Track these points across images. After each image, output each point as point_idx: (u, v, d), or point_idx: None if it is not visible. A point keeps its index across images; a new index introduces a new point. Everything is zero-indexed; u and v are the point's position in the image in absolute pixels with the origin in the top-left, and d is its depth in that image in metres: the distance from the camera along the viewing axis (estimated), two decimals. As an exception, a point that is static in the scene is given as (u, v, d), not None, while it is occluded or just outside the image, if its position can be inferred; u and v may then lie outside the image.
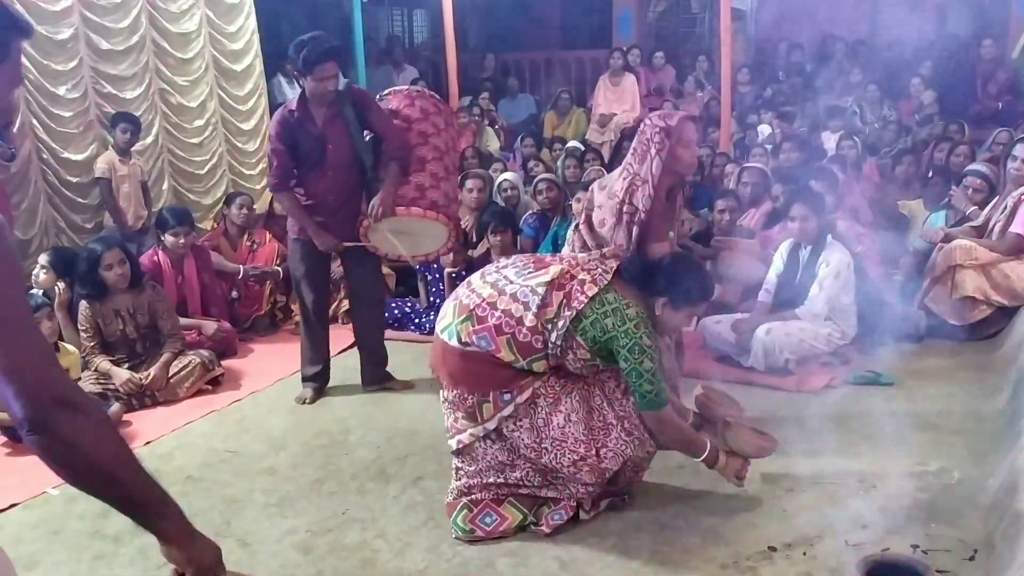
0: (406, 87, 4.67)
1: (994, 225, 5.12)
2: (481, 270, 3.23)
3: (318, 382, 4.62)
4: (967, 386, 4.28)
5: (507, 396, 2.94)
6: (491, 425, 2.97)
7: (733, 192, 5.86)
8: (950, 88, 8.67)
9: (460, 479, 3.14)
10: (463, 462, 3.12)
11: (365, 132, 4.32)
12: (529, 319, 2.90)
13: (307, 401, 4.53)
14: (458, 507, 3.10)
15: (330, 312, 5.55)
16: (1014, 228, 4.94)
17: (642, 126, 3.59)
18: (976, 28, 9.77)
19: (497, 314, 2.95)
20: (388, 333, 5.53)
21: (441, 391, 3.13)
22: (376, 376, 4.68)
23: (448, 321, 3.06)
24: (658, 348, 2.95)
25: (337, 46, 4.22)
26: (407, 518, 3.28)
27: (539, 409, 2.97)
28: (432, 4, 9.47)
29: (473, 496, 3.10)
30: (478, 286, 3.08)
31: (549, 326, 2.90)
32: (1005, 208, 5.08)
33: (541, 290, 2.91)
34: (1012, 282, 4.86)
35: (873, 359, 4.64)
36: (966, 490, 3.24)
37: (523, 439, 2.97)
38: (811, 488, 3.33)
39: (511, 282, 3.00)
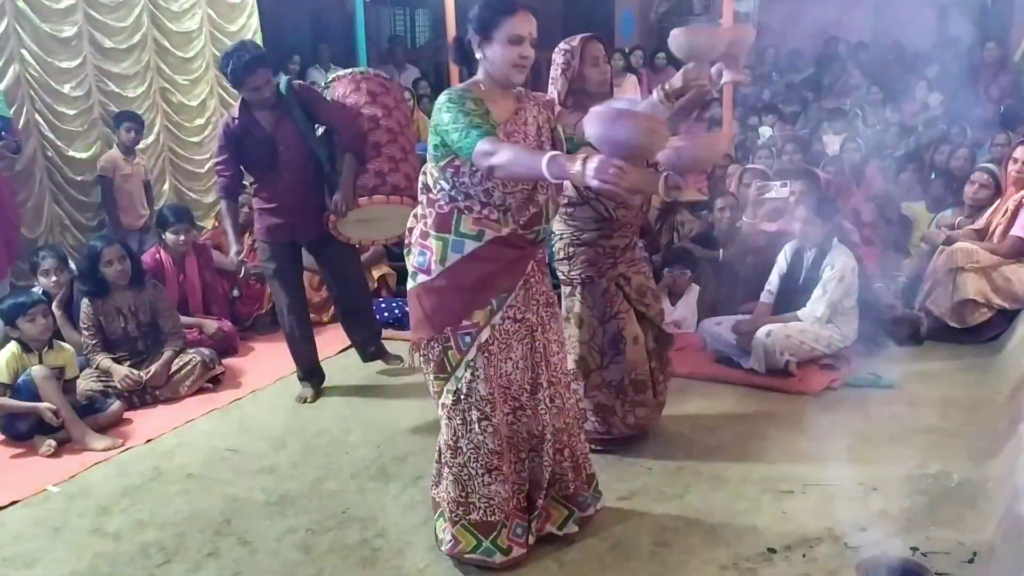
0: (351, 70, 4.55)
1: (995, 228, 5.12)
2: None
3: (314, 379, 4.65)
4: (967, 389, 4.28)
5: (467, 337, 2.74)
6: (460, 372, 2.75)
7: (731, 192, 5.85)
8: (952, 91, 8.66)
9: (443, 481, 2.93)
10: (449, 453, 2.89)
11: (317, 127, 4.30)
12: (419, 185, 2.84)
13: (308, 400, 4.54)
14: (438, 511, 2.97)
15: (330, 310, 5.59)
16: (1015, 231, 4.94)
17: (552, 56, 3.56)
18: (978, 31, 9.77)
19: (414, 227, 2.84)
20: (388, 332, 5.55)
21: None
22: (371, 350, 4.81)
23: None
24: (474, 109, 2.60)
25: (262, 54, 4.19)
26: (407, 517, 3.28)
27: (492, 356, 2.77)
28: (434, 4, 9.48)
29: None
30: None
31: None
32: (1006, 211, 5.09)
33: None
34: (1013, 285, 4.87)
35: (873, 361, 4.64)
36: (966, 493, 3.24)
37: (480, 391, 2.76)
38: (811, 490, 3.33)
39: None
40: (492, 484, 2.82)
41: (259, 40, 7.40)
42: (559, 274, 3.65)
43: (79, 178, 5.96)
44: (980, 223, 5.26)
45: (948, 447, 3.63)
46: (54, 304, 4.72)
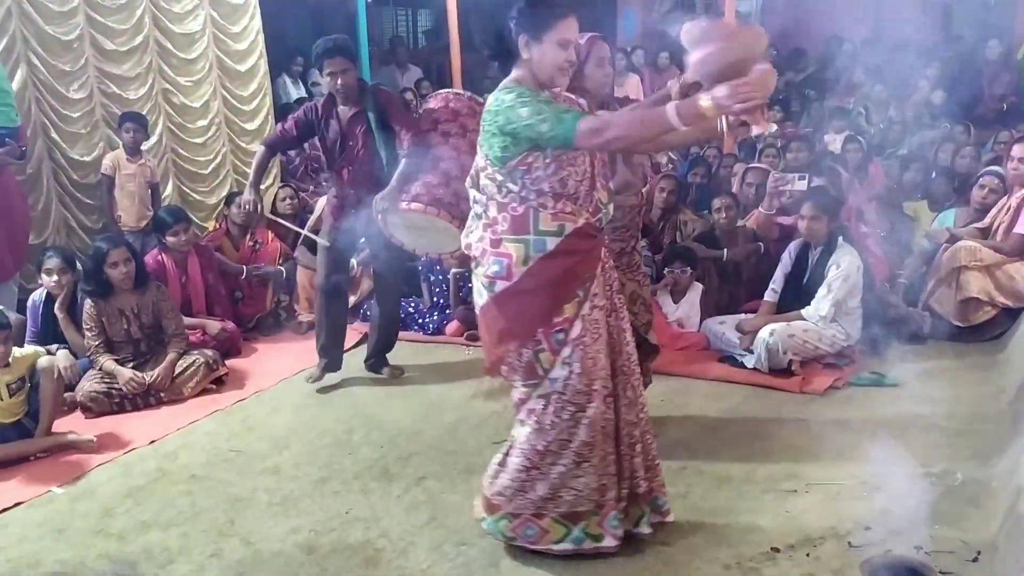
0: (447, 90, 4.73)
1: (998, 226, 5.11)
2: None
3: (330, 357, 4.74)
4: (971, 387, 4.27)
5: (560, 335, 2.72)
6: (555, 373, 2.73)
7: (730, 192, 5.84)
8: (955, 89, 8.65)
9: (500, 478, 2.90)
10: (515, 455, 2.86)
11: (385, 128, 4.47)
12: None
13: (312, 379, 4.69)
14: (499, 512, 2.92)
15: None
16: (1018, 229, 4.93)
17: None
18: (982, 29, 9.75)
19: (483, 236, 2.78)
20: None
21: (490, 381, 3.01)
22: (377, 359, 4.92)
23: (476, 291, 2.88)
24: (548, 98, 2.65)
25: (345, 45, 4.40)
26: (410, 518, 3.28)
27: (586, 347, 2.74)
28: (437, 4, 9.48)
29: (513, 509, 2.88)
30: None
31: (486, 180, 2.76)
32: (1008, 209, 5.08)
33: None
34: (1016, 283, 4.86)
35: (877, 360, 4.64)
36: (970, 492, 3.24)
37: (576, 385, 2.74)
38: (814, 489, 3.33)
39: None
40: (581, 477, 2.79)
41: (261, 41, 7.42)
42: None
43: (83, 180, 5.96)
44: (983, 222, 5.25)
45: (952, 446, 3.63)
46: (56, 306, 4.72)
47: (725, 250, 5.37)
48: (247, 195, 4.56)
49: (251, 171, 4.66)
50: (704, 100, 2.35)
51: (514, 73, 2.74)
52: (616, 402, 2.86)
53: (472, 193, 2.84)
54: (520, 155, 2.66)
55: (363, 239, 4.69)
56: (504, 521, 2.90)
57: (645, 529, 2.95)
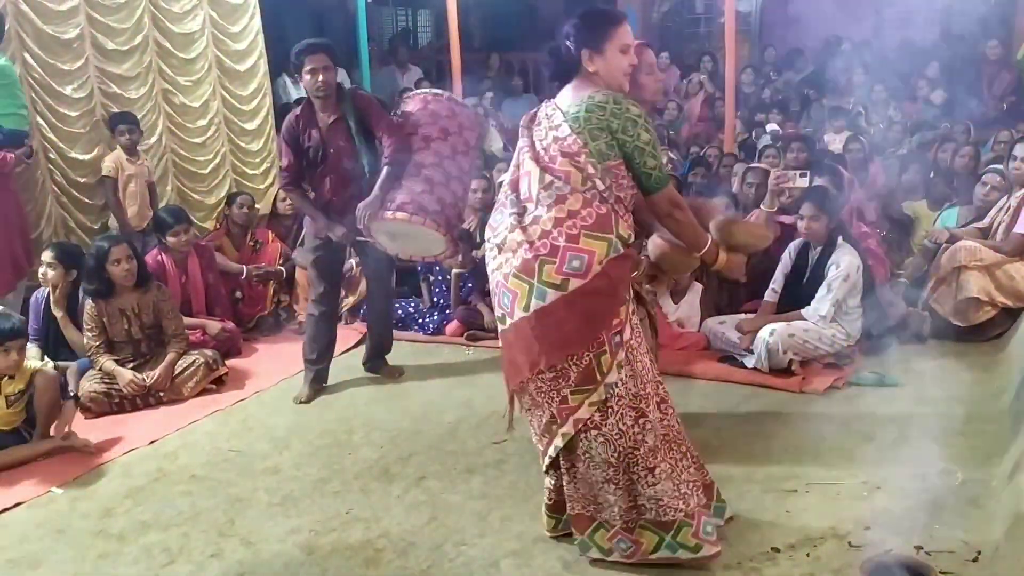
0: (425, 91, 4.69)
1: (998, 226, 5.11)
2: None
3: (318, 374, 4.68)
4: (971, 387, 4.27)
5: (617, 337, 2.67)
6: (612, 377, 2.67)
7: (731, 192, 5.83)
8: (955, 89, 8.65)
9: (577, 491, 2.81)
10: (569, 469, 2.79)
11: (366, 133, 4.40)
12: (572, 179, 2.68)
13: (303, 400, 4.57)
14: (593, 525, 2.83)
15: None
16: (1018, 229, 4.93)
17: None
18: (981, 29, 9.75)
19: (552, 232, 2.66)
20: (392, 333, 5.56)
21: (521, 398, 2.83)
22: (376, 360, 4.93)
23: (521, 296, 2.69)
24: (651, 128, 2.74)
25: (325, 42, 4.38)
26: (410, 517, 3.28)
27: (634, 351, 2.73)
28: (437, 4, 9.48)
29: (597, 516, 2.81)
30: (508, 240, 2.75)
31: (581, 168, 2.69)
32: (1008, 208, 5.08)
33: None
34: (1017, 283, 4.85)
35: (877, 360, 4.64)
36: (970, 491, 3.23)
37: (632, 389, 2.70)
38: (814, 489, 3.33)
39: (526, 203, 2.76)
40: (656, 484, 2.71)
41: (260, 41, 7.41)
42: None
43: (82, 180, 5.95)
44: (984, 221, 5.25)
45: (952, 446, 3.62)
46: (52, 304, 4.71)
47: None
48: (336, 232, 4.41)
49: (308, 212, 4.57)
50: (720, 261, 2.90)
51: (586, 79, 2.75)
52: (667, 407, 2.83)
53: (538, 177, 2.70)
54: (619, 161, 2.69)
55: (348, 246, 4.68)
56: (600, 531, 2.82)
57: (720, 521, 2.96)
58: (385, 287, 4.91)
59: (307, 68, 4.29)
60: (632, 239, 2.77)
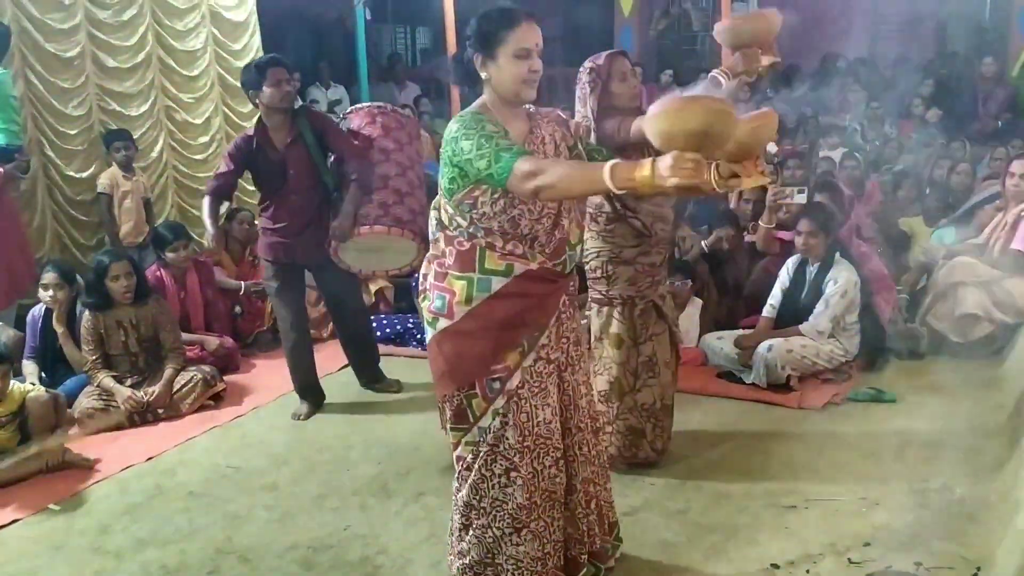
0: (367, 104, 4.67)
1: (995, 242, 5.13)
2: None
3: (312, 396, 4.65)
4: (969, 403, 4.27)
5: (496, 383, 2.52)
6: (485, 422, 2.53)
7: (730, 217, 5.80)
8: (951, 106, 8.70)
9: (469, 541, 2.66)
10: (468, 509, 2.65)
11: (328, 154, 4.38)
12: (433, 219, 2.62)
13: (302, 417, 4.55)
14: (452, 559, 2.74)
15: (329, 326, 5.63)
16: (1015, 245, 4.94)
17: (577, 75, 3.53)
18: (976, 46, 9.82)
19: (426, 270, 2.64)
20: (389, 349, 5.57)
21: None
22: (369, 375, 4.88)
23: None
24: (495, 131, 2.41)
25: (281, 57, 4.37)
26: (409, 534, 3.28)
27: (523, 401, 2.54)
28: (435, 21, 9.53)
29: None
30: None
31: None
32: (1005, 225, 5.10)
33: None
34: (1014, 299, 4.86)
35: (875, 376, 4.65)
36: (969, 507, 3.24)
37: (508, 440, 2.55)
38: (814, 505, 3.32)
39: None
40: (520, 544, 2.57)
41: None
42: (594, 293, 3.62)
43: (78, 197, 5.97)
44: (980, 237, 5.27)
45: (950, 461, 3.62)
46: (54, 320, 4.71)
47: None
48: (211, 233, 4.28)
49: (206, 219, 4.29)
50: (643, 170, 2.05)
51: (481, 97, 2.55)
52: (569, 464, 2.68)
53: (430, 224, 2.66)
54: (467, 188, 2.46)
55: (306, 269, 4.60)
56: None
57: None
58: (354, 304, 4.79)
59: (271, 80, 4.19)
60: (514, 270, 2.49)
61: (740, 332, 4.90)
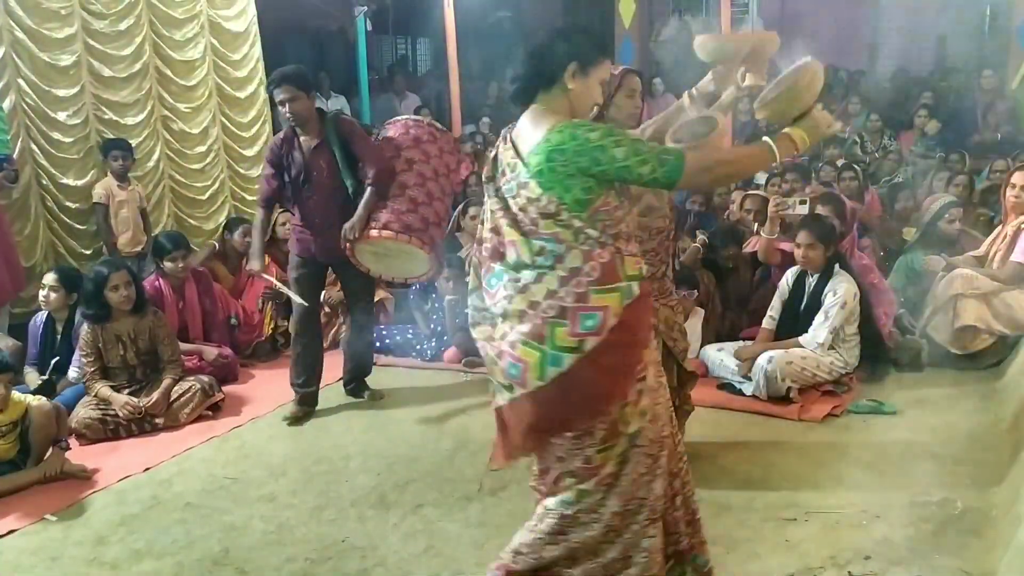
0: (406, 117, 4.89)
1: (995, 254, 5.13)
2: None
3: (307, 395, 4.71)
4: (970, 416, 4.26)
5: (640, 384, 2.45)
6: (634, 427, 2.43)
7: (734, 235, 5.79)
8: (950, 118, 8.72)
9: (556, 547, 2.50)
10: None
11: (348, 157, 4.50)
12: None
13: (291, 420, 4.61)
14: None
15: (330, 336, 5.65)
16: (1015, 257, 4.94)
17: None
18: (976, 59, 9.85)
19: (558, 292, 2.37)
20: (389, 359, 5.56)
21: (533, 468, 2.59)
22: (355, 385, 4.95)
23: (534, 364, 2.38)
24: (640, 141, 2.44)
25: (293, 74, 4.42)
26: (407, 546, 3.26)
27: (655, 393, 2.50)
28: (436, 33, 9.56)
29: None
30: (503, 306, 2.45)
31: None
32: (1005, 237, 5.10)
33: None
34: (1013, 311, 4.86)
35: (875, 388, 4.63)
36: (970, 521, 3.22)
37: (650, 435, 2.49)
38: (814, 518, 3.31)
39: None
40: (655, 537, 2.51)
41: (261, 69, 7.47)
42: None
43: (74, 206, 5.97)
44: (980, 249, 5.27)
45: (951, 474, 3.61)
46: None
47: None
48: (256, 265, 4.60)
49: (255, 237, 4.65)
50: (800, 138, 2.47)
51: (547, 106, 2.45)
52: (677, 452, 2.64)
53: (526, 246, 2.41)
54: (602, 196, 2.38)
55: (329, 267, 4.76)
56: None
57: None
58: (366, 309, 4.90)
59: (277, 99, 4.41)
60: (644, 272, 2.48)
61: (741, 343, 4.89)
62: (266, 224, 4.74)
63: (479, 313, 2.55)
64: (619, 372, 2.42)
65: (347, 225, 4.35)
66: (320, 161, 4.48)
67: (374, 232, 4.33)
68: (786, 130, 2.49)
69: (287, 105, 4.37)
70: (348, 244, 4.39)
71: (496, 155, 2.54)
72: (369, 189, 4.40)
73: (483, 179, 2.57)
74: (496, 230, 2.49)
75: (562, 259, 2.38)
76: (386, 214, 4.36)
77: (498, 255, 2.49)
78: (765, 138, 2.45)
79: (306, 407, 4.71)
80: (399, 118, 4.85)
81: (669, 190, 2.52)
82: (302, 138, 4.49)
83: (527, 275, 2.41)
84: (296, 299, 4.62)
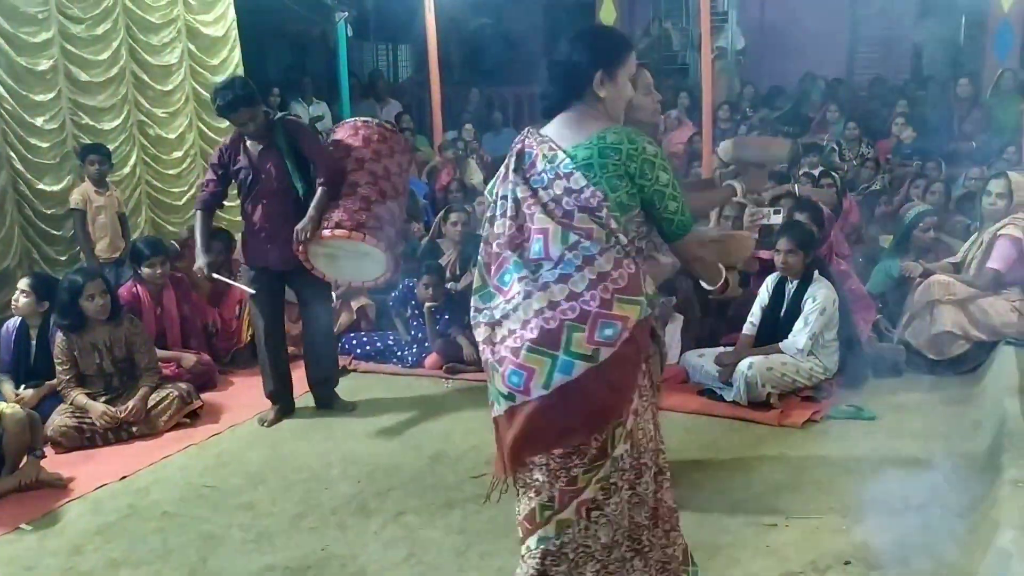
0: (355, 118, 4.85)
1: (971, 261, 5.18)
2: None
3: (280, 402, 4.70)
4: (948, 421, 4.30)
5: (631, 405, 2.39)
6: (619, 450, 2.36)
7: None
8: (927, 126, 8.81)
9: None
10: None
11: (298, 159, 4.47)
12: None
13: (267, 423, 4.61)
14: None
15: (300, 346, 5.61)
16: (991, 263, 4.99)
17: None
18: (952, 69, 9.97)
19: (583, 294, 2.31)
20: (370, 366, 5.53)
21: (520, 489, 2.45)
22: (323, 394, 4.86)
23: (540, 372, 2.31)
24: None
25: (247, 94, 4.37)
26: (388, 554, 3.24)
27: (639, 417, 2.43)
28: (417, 39, 9.55)
29: None
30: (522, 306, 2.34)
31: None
32: (981, 244, 5.15)
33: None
34: (990, 317, 4.91)
35: (854, 393, 4.66)
36: (948, 526, 3.23)
37: (631, 459, 2.41)
38: (794, 523, 3.32)
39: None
40: (636, 571, 2.46)
41: (240, 74, 7.42)
42: None
43: (50, 212, 5.91)
44: (956, 256, 5.32)
45: (930, 479, 3.62)
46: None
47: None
48: (203, 260, 4.51)
49: (197, 236, 4.58)
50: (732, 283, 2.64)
51: (583, 112, 2.42)
52: (663, 479, 2.57)
53: (559, 236, 2.33)
54: (638, 208, 2.38)
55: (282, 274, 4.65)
56: None
57: None
58: (323, 316, 4.82)
59: (235, 122, 4.41)
60: (653, 293, 2.47)
61: (721, 349, 4.91)
62: (207, 226, 4.63)
63: (480, 314, 2.45)
64: (621, 388, 2.37)
65: (299, 226, 4.29)
66: (269, 165, 4.43)
67: (327, 232, 4.28)
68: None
69: (248, 126, 4.36)
70: (300, 246, 4.33)
71: (521, 149, 2.44)
72: (320, 189, 4.35)
73: (507, 171, 2.44)
74: (517, 218, 2.39)
75: (592, 260, 2.32)
76: (338, 213, 4.32)
77: (515, 245, 2.39)
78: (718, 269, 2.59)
79: (280, 412, 4.69)
80: (348, 120, 4.84)
81: (666, 240, 2.46)
82: (249, 142, 4.46)
83: (548, 274, 2.33)
84: (247, 289, 4.64)
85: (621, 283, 2.32)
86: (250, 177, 4.45)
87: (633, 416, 2.39)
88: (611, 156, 2.31)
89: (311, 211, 4.31)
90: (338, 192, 4.38)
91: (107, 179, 6.00)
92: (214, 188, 4.56)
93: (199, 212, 4.60)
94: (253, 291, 4.59)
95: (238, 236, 6.55)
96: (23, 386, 4.60)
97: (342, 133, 4.60)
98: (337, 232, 4.27)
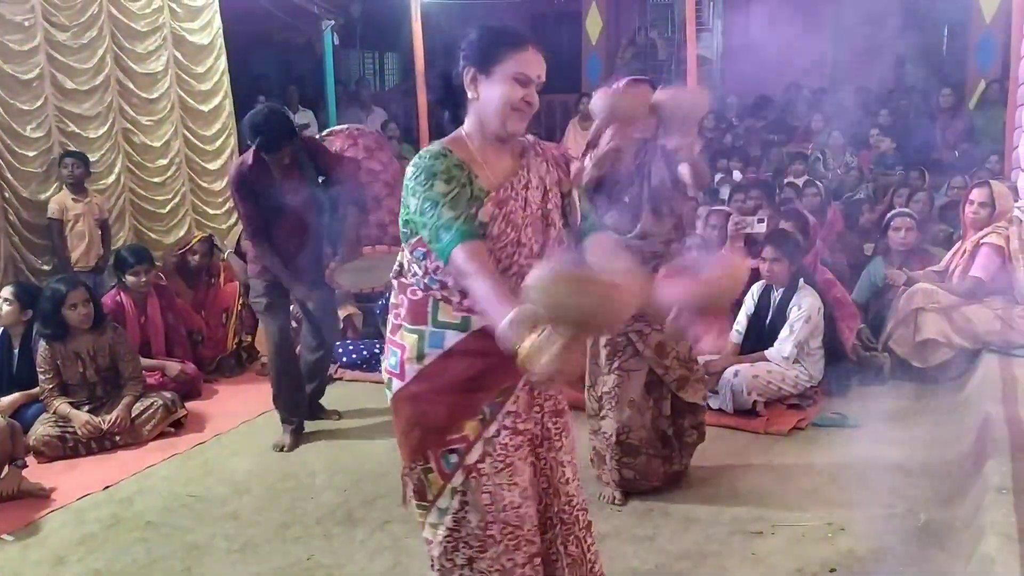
0: (348, 126, 4.84)
1: (955, 269, 5.22)
2: None
3: (296, 422, 4.53)
4: (932, 428, 4.32)
5: (453, 456, 2.14)
6: (443, 503, 2.17)
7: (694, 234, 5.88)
8: (910, 136, 8.88)
9: None
10: None
11: (320, 177, 4.39)
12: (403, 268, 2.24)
13: (285, 448, 4.41)
14: None
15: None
16: (974, 272, 5.03)
17: (590, 105, 3.42)
18: (935, 78, 10.05)
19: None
20: (356, 374, 5.52)
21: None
22: (311, 406, 4.77)
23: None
24: (445, 192, 2.05)
25: (287, 131, 4.19)
26: (374, 563, 3.22)
27: (484, 479, 2.14)
28: (404, 47, 9.57)
29: None
30: None
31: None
32: (965, 252, 5.19)
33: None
34: (973, 325, 4.94)
35: (839, 401, 4.68)
36: (933, 532, 3.25)
37: (471, 524, 2.16)
38: (780, 531, 3.33)
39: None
40: None
41: (226, 82, 7.41)
42: None
43: (34, 220, 5.88)
44: (940, 264, 5.36)
45: (914, 487, 3.65)
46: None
47: None
48: (300, 288, 4.34)
49: (273, 268, 4.30)
50: (523, 348, 1.77)
51: (461, 127, 2.21)
52: (550, 565, 2.28)
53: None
54: (418, 236, 2.12)
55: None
56: None
57: None
58: (330, 333, 4.76)
59: (275, 159, 4.19)
60: (471, 324, 2.11)
61: (707, 357, 4.92)
62: (274, 251, 4.32)
63: None
64: (413, 427, 2.19)
65: (341, 249, 4.28)
66: (292, 183, 4.28)
67: (368, 249, 4.32)
68: (527, 339, 1.76)
69: (285, 159, 4.17)
70: (332, 267, 4.29)
71: None
72: (351, 208, 4.31)
73: None
74: None
75: (393, 288, 2.27)
76: (373, 230, 4.39)
77: None
78: (514, 316, 1.81)
79: (298, 434, 4.51)
80: (338, 128, 4.79)
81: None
82: (270, 162, 4.27)
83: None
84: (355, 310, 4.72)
85: (402, 312, 2.20)
86: (274, 197, 4.28)
87: (465, 472, 2.14)
88: (408, 186, 2.12)
89: (348, 232, 4.27)
90: (367, 208, 4.40)
91: (86, 186, 5.96)
92: (256, 215, 4.29)
93: (259, 244, 4.32)
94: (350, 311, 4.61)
95: (228, 240, 6.58)
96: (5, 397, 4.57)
97: (340, 143, 4.57)
98: (379, 248, 4.33)
